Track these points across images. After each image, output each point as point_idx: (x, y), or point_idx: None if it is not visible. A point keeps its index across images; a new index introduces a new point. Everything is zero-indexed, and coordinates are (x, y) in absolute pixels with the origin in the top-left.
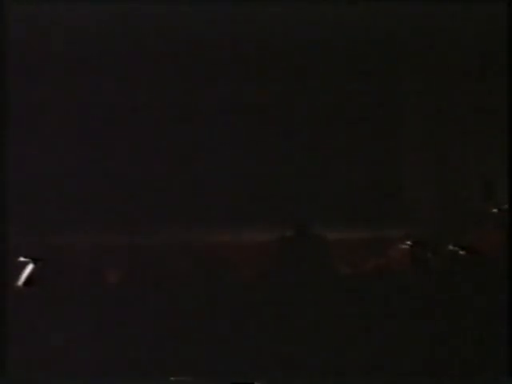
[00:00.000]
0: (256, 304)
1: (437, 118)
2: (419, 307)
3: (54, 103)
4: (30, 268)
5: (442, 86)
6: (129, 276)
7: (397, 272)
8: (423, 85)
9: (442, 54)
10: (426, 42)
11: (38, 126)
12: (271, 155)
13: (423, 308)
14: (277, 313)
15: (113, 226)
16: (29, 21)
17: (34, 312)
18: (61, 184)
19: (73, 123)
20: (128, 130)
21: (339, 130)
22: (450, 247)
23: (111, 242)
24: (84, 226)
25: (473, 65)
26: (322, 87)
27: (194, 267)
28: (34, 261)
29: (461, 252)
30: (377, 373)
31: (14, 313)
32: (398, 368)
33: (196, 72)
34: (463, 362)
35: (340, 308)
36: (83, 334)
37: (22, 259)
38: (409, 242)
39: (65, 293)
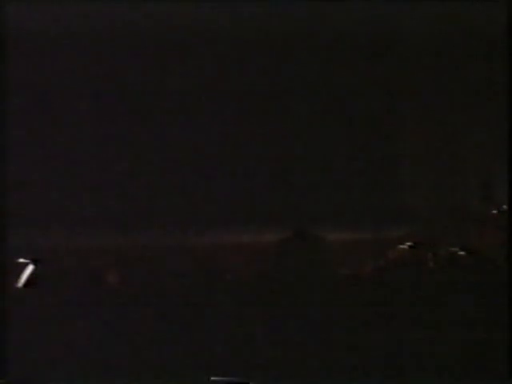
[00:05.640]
0: (256, 304)
1: (437, 118)
2: (419, 307)
3: (53, 103)
4: (30, 269)
5: (442, 86)
6: (129, 276)
7: (397, 273)
8: (423, 85)
9: (441, 53)
10: (426, 41)
11: (37, 127)
12: (271, 156)
13: (423, 307)
14: (277, 312)
15: (113, 227)
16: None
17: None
18: (61, 184)
19: (73, 123)
20: (128, 130)
21: (339, 130)
22: (450, 248)
23: (111, 242)
24: (84, 226)
25: (473, 64)
26: (323, 87)
27: (193, 268)
28: (34, 262)
29: (460, 252)
30: (377, 373)
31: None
32: (398, 368)
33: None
34: (463, 362)
35: (340, 308)
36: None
37: (22, 260)
38: (409, 243)
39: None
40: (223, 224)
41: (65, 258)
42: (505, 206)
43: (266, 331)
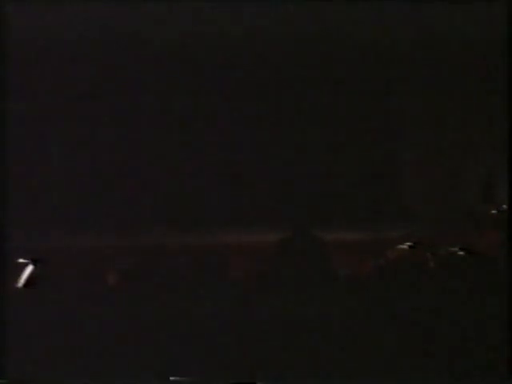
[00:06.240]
0: (255, 304)
1: (437, 117)
2: (419, 307)
3: (53, 103)
4: (29, 269)
5: (442, 85)
6: (129, 276)
7: (397, 273)
8: (423, 84)
9: (441, 53)
10: (426, 42)
11: (37, 127)
12: (271, 155)
13: (423, 308)
14: (276, 313)
15: (113, 227)
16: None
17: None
18: (61, 184)
19: (73, 123)
20: (128, 130)
21: (338, 129)
22: (450, 248)
23: (111, 242)
24: (84, 226)
25: (473, 64)
26: (323, 87)
27: (193, 268)
28: (34, 262)
29: (460, 253)
30: (377, 373)
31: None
32: (398, 368)
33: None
34: (463, 362)
35: (340, 309)
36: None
37: (21, 260)
38: (409, 243)
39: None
40: (223, 224)
41: (65, 258)
42: (505, 206)
43: (266, 331)
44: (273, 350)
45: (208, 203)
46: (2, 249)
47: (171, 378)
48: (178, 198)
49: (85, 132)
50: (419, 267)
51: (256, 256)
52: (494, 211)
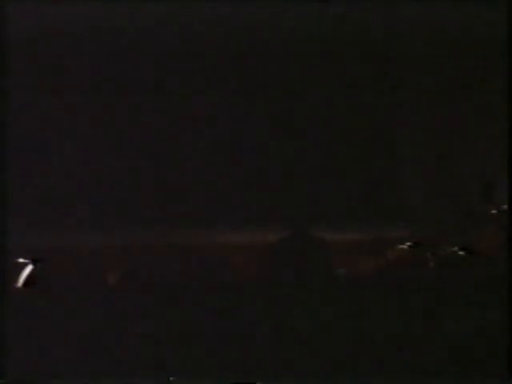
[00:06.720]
0: (255, 304)
1: (437, 117)
2: (418, 308)
3: (53, 103)
4: (29, 269)
5: (441, 85)
6: (128, 277)
7: (396, 273)
8: (423, 85)
9: (440, 52)
10: (425, 41)
11: (37, 127)
12: (270, 155)
13: (422, 309)
14: (276, 313)
15: (112, 226)
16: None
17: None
18: (61, 184)
19: (73, 123)
20: (127, 130)
21: (338, 128)
22: (450, 248)
23: (110, 242)
24: (84, 226)
25: (473, 64)
26: (322, 87)
27: (193, 268)
28: (34, 262)
29: (460, 253)
30: (377, 373)
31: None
32: (398, 368)
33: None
34: (463, 362)
35: (339, 309)
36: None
37: (21, 260)
38: (409, 243)
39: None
40: (223, 224)
41: (65, 258)
42: (505, 206)
43: (265, 331)
44: (272, 351)
45: (208, 203)
46: (2, 249)
47: (170, 379)
48: (178, 198)
49: (85, 131)
50: (419, 267)
51: (255, 256)
52: (494, 211)
